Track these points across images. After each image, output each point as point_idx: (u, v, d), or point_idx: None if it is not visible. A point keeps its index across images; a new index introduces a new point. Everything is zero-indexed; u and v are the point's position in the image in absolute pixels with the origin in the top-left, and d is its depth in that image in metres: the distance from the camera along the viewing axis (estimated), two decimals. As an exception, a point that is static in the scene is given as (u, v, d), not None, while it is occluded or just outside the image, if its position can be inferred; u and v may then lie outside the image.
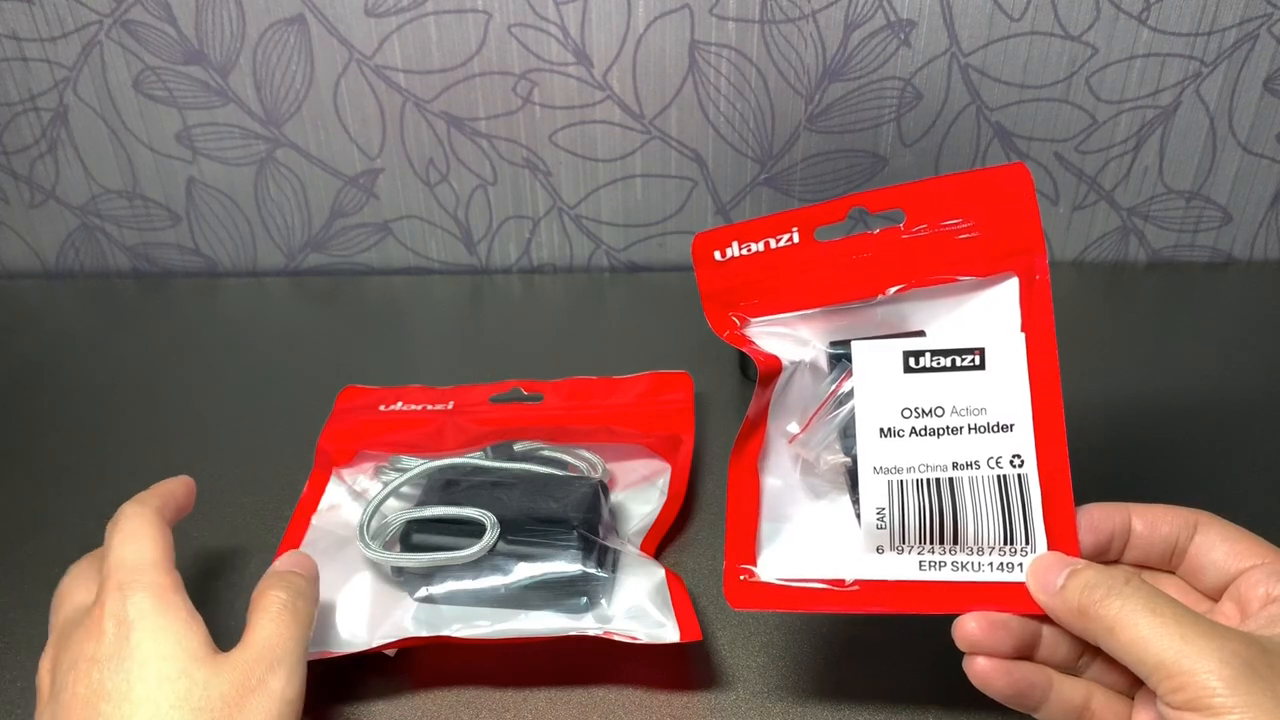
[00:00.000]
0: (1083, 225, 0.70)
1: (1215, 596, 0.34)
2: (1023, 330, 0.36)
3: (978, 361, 0.36)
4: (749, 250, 0.38)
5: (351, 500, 0.50)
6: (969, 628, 0.34)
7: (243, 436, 0.56)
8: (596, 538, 0.44)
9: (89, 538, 0.50)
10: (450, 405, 0.55)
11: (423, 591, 0.44)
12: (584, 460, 0.50)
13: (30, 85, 0.65)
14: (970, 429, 0.36)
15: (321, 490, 0.50)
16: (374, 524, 0.46)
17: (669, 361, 0.58)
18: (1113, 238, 0.70)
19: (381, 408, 0.55)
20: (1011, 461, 0.35)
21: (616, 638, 0.41)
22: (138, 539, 0.37)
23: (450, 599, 0.43)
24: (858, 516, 0.36)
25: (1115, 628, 0.31)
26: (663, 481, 0.50)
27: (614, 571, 0.44)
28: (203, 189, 0.69)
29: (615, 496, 0.50)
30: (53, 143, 0.67)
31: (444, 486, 0.47)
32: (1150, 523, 0.35)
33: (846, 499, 0.37)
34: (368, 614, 0.43)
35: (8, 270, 0.73)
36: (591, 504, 0.45)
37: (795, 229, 0.37)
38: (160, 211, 0.70)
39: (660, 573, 0.43)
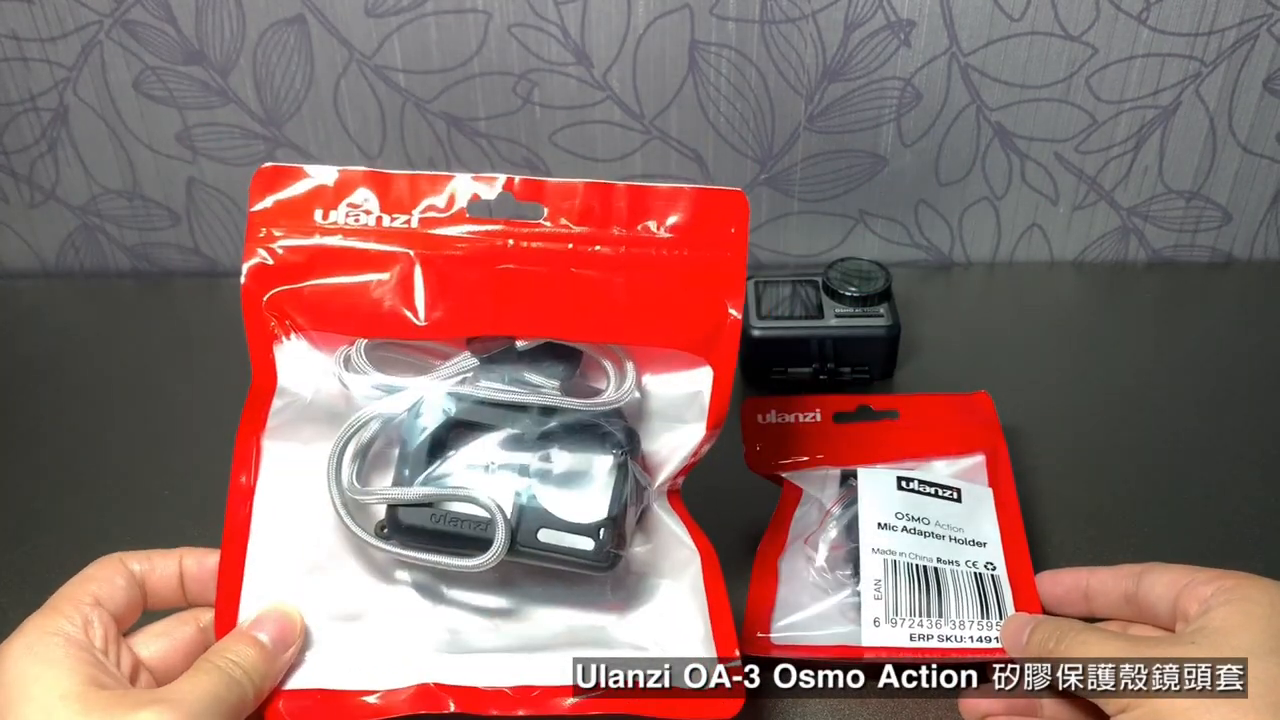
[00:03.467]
0: (1082, 225, 0.70)
1: (1171, 627, 0.38)
2: (989, 486, 0.48)
3: (956, 496, 0.47)
4: (782, 419, 0.51)
5: (312, 400, 0.40)
6: (971, 698, 0.40)
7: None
8: (623, 540, 0.39)
9: (89, 537, 0.50)
10: (413, 221, 0.40)
11: (414, 576, 0.39)
12: (612, 365, 0.40)
13: (30, 85, 0.65)
14: (950, 539, 0.45)
15: (267, 404, 0.40)
16: (345, 471, 0.38)
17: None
18: (1112, 238, 0.70)
19: (319, 217, 0.41)
20: (985, 566, 0.44)
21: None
22: (73, 580, 0.36)
23: (453, 601, 0.40)
24: (852, 599, 0.43)
25: (1066, 664, 0.36)
26: (702, 398, 0.40)
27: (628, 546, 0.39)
28: (203, 189, 0.69)
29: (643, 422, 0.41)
30: (53, 143, 0.67)
31: (431, 437, 0.39)
32: (1103, 578, 0.41)
33: (849, 598, 0.44)
34: (386, 657, 0.38)
35: (8, 270, 0.73)
36: (619, 496, 0.39)
37: (818, 410, 0.51)
38: (160, 211, 0.70)
39: (695, 563, 0.39)
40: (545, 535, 0.38)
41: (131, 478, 0.54)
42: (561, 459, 0.39)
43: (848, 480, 0.48)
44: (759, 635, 0.43)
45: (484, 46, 0.62)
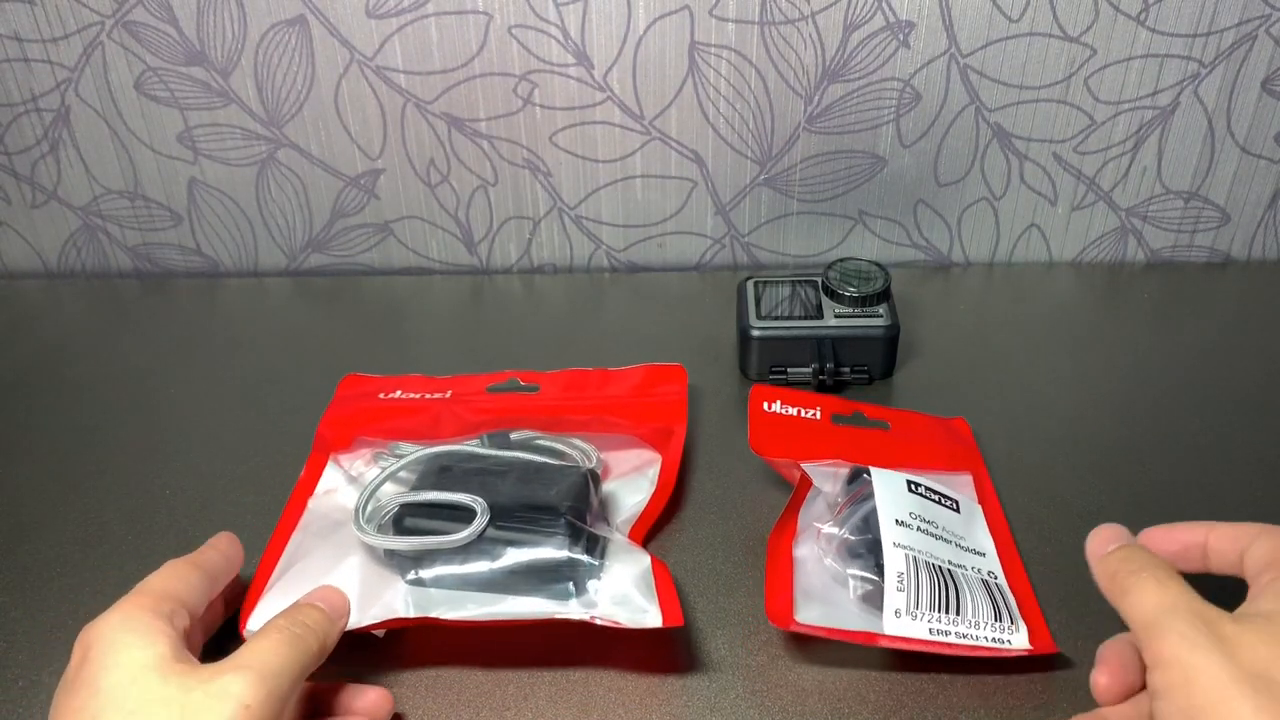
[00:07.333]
0: (1081, 226, 0.70)
1: None
2: (979, 503, 0.50)
3: (955, 507, 0.48)
4: (786, 411, 0.52)
5: (348, 485, 0.50)
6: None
7: (244, 436, 0.56)
8: (584, 525, 0.44)
9: (90, 537, 0.50)
10: (448, 394, 0.55)
11: (412, 574, 0.44)
12: (578, 450, 0.51)
13: (32, 86, 0.65)
14: (957, 545, 0.46)
15: (318, 474, 0.51)
16: (369, 507, 0.46)
17: (668, 361, 0.58)
18: (1111, 238, 0.70)
19: (381, 395, 0.56)
20: (989, 574, 0.45)
21: (599, 623, 0.41)
22: (152, 577, 0.39)
23: (439, 582, 0.44)
24: (870, 590, 0.44)
25: (1129, 592, 0.35)
26: (653, 472, 0.51)
27: (602, 558, 0.44)
28: (204, 189, 0.69)
29: (606, 486, 0.50)
30: (55, 143, 0.67)
31: (439, 472, 0.48)
32: (1219, 535, 0.39)
33: (866, 589, 0.44)
34: (357, 594, 0.43)
35: (10, 270, 0.73)
36: (580, 492, 0.46)
37: (819, 408, 0.53)
38: (162, 212, 0.70)
39: (646, 560, 0.44)
40: (521, 513, 0.45)
41: (131, 477, 0.54)
42: (534, 472, 0.48)
43: (859, 476, 0.48)
44: (782, 612, 0.43)
45: (484, 47, 0.63)
